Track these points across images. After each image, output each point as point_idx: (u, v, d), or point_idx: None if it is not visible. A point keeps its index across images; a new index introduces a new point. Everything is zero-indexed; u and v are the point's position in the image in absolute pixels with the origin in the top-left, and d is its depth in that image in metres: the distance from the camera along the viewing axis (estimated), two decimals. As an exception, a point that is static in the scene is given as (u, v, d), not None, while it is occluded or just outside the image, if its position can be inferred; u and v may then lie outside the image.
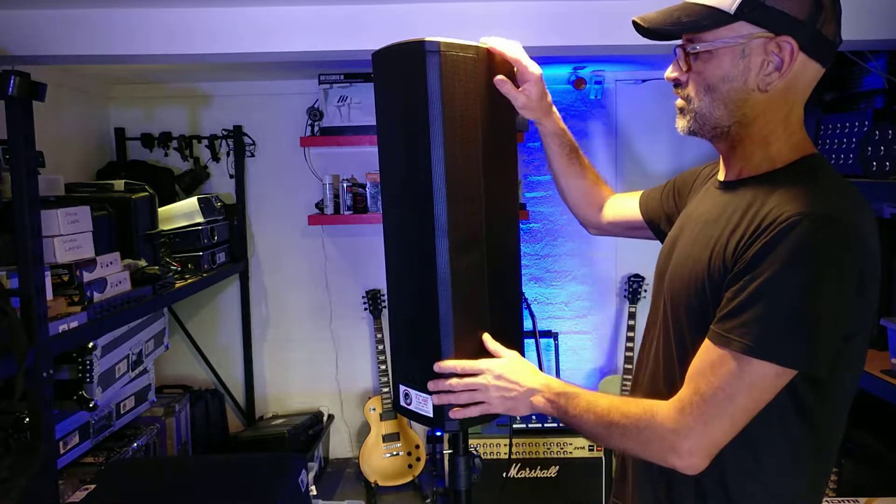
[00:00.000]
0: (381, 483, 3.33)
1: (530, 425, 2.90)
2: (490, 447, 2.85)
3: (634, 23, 1.09)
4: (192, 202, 3.07)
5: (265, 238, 3.60)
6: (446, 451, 1.33)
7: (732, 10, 1.00)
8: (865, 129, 2.02)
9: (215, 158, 3.49)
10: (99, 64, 2.72)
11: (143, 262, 2.57)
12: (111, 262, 2.25)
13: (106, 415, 2.52)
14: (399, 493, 3.32)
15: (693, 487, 1.07)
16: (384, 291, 3.51)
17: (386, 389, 3.40)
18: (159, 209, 2.87)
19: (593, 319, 3.63)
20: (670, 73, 1.10)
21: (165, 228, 2.96)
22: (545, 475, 2.86)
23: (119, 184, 2.70)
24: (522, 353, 1.32)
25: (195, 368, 3.63)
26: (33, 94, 1.73)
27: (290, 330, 3.65)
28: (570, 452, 2.86)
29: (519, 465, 2.86)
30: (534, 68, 1.29)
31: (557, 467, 2.85)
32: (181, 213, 3.04)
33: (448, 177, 1.17)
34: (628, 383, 2.59)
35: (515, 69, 1.29)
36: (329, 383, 3.67)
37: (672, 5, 1.07)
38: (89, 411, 2.31)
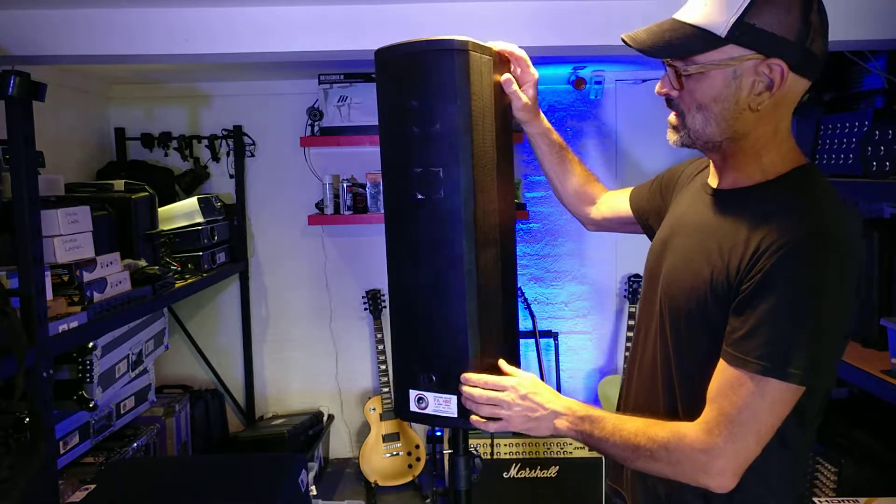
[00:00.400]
0: (381, 483, 3.33)
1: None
2: (490, 447, 2.85)
3: (624, 40, 1.10)
4: (192, 202, 3.07)
5: (265, 238, 3.60)
6: (446, 451, 1.33)
7: (724, 33, 1.00)
8: (865, 129, 2.02)
9: (215, 158, 3.50)
10: (99, 64, 2.72)
11: (143, 262, 2.57)
12: (111, 262, 2.25)
13: (106, 415, 2.52)
14: (399, 493, 3.32)
15: None
16: (384, 291, 3.53)
17: (386, 389, 3.40)
18: (159, 209, 2.87)
19: (593, 319, 3.63)
20: (661, 89, 1.12)
21: (165, 228, 2.96)
22: (545, 475, 2.86)
23: (119, 184, 2.70)
24: (518, 353, 1.34)
25: (195, 368, 3.63)
26: (33, 94, 1.73)
27: (289, 330, 3.65)
28: (570, 452, 2.86)
29: (519, 465, 2.86)
30: (533, 70, 1.32)
31: (557, 467, 2.85)
32: (181, 213, 3.04)
33: (475, 175, 1.17)
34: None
35: (518, 70, 1.32)
36: (329, 383, 3.67)
37: (661, 22, 1.08)
38: (89, 411, 2.31)
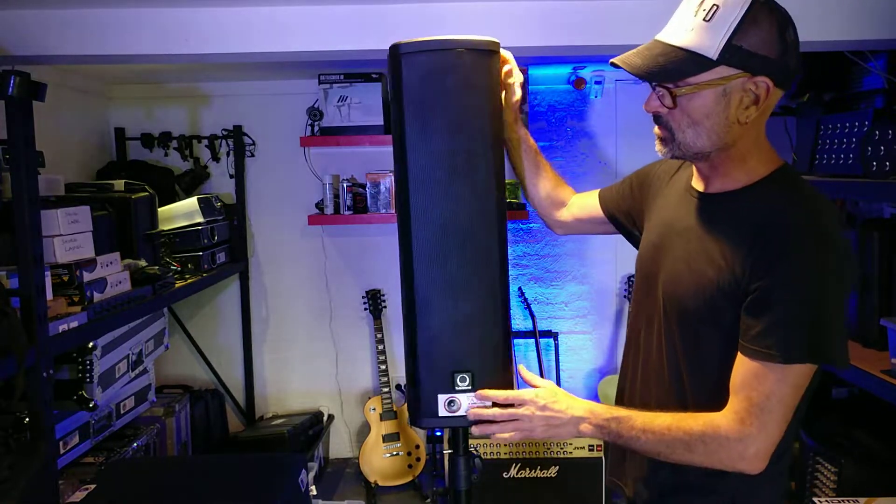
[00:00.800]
0: (381, 483, 3.33)
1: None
2: (490, 447, 2.85)
3: (617, 64, 1.15)
4: (192, 202, 3.07)
5: (265, 238, 3.60)
6: (446, 451, 1.34)
7: (715, 56, 1.07)
8: (865, 129, 2.02)
9: (215, 158, 3.50)
10: (98, 64, 2.71)
11: (143, 262, 2.57)
12: (111, 262, 2.25)
13: (106, 415, 2.52)
14: (399, 493, 3.32)
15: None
16: (384, 291, 3.53)
17: (386, 389, 3.40)
18: (159, 209, 2.87)
19: (593, 319, 3.63)
20: (650, 107, 1.18)
21: (165, 228, 2.96)
22: (545, 475, 2.86)
23: (119, 184, 2.70)
24: (511, 350, 1.39)
25: (195, 368, 3.63)
26: (33, 94, 1.73)
27: (290, 330, 3.65)
28: (570, 452, 2.86)
29: (519, 465, 2.86)
30: (518, 73, 1.40)
31: (557, 467, 2.85)
32: (181, 213, 3.04)
33: (496, 168, 1.23)
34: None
35: (511, 71, 1.38)
36: (329, 383, 3.67)
37: (650, 45, 1.14)
38: (89, 411, 2.31)
